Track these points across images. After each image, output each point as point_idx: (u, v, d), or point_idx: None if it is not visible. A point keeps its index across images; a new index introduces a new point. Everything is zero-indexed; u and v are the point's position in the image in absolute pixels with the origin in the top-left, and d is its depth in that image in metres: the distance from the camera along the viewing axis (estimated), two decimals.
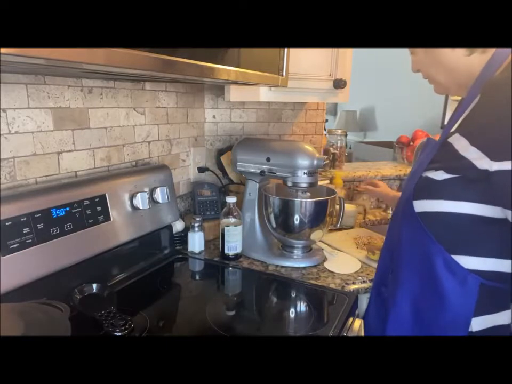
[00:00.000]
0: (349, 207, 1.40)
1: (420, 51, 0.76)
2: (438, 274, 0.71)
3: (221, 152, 1.43)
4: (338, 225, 1.26)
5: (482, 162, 0.61)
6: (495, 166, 0.59)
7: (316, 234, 1.13)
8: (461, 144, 0.66)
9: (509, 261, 0.68)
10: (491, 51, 0.69)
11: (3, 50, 0.39)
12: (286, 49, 0.97)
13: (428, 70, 0.78)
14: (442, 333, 0.73)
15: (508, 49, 0.67)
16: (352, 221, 1.44)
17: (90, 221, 0.88)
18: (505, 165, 0.58)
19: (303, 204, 1.09)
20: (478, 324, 0.70)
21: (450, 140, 0.69)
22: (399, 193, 1.21)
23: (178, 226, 1.20)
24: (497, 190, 0.62)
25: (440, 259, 0.71)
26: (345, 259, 1.17)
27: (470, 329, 0.70)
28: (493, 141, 0.61)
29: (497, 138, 0.60)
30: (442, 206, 0.68)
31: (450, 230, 0.69)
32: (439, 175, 0.68)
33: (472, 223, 0.67)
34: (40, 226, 0.77)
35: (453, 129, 0.71)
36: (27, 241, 0.75)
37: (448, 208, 0.68)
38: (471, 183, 0.65)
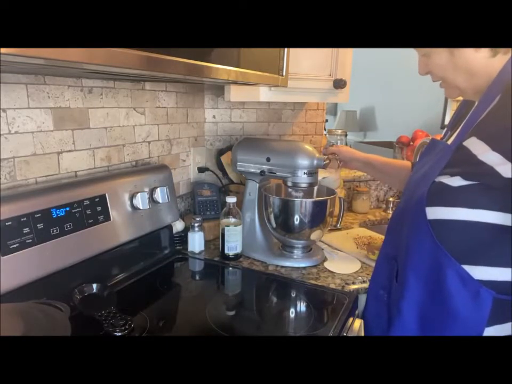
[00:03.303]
0: (329, 174, 1.29)
1: (440, 54, 0.71)
2: (448, 287, 0.68)
3: (221, 152, 1.43)
4: (338, 225, 1.26)
5: (506, 169, 0.58)
6: None
7: (316, 234, 1.13)
8: (479, 149, 0.62)
9: None
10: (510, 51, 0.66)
11: (3, 50, 0.39)
12: (286, 49, 0.97)
13: (445, 74, 0.72)
14: None
15: None
16: (338, 183, 1.37)
17: (90, 221, 0.88)
18: None
19: (303, 204, 1.09)
20: (489, 333, 0.68)
21: (465, 143, 0.66)
22: (365, 154, 1.13)
23: (178, 226, 1.20)
24: None
25: (451, 271, 0.68)
26: (345, 259, 1.17)
27: None
28: None
29: None
30: (457, 213, 0.65)
31: (464, 239, 0.66)
32: (455, 181, 0.65)
33: (490, 231, 0.64)
34: (40, 226, 0.77)
35: (468, 133, 0.67)
36: (27, 241, 0.75)
37: (464, 216, 0.64)
38: (490, 190, 0.61)
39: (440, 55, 0.71)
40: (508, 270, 0.65)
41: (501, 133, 0.61)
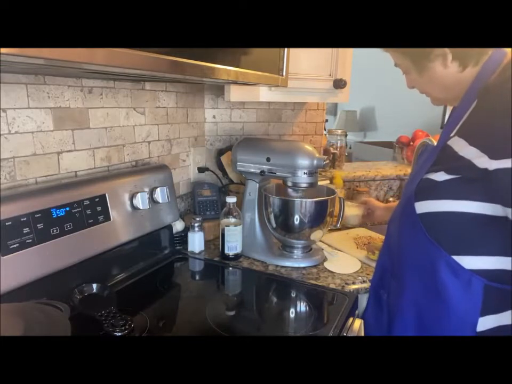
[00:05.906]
0: (352, 209, 1.41)
1: (414, 72, 0.78)
2: (441, 279, 0.71)
3: (221, 152, 1.43)
4: (338, 225, 1.26)
5: (482, 161, 0.62)
6: (494, 164, 0.60)
7: (316, 234, 1.13)
8: (460, 145, 0.67)
9: (510, 259, 0.67)
10: (482, 62, 0.71)
11: (3, 50, 0.39)
12: (286, 49, 0.97)
13: (425, 88, 0.80)
14: None
15: (499, 56, 0.69)
16: (357, 220, 1.45)
17: (90, 221, 0.88)
18: (504, 163, 0.59)
19: (303, 204, 1.09)
20: (483, 324, 0.70)
21: (449, 142, 0.70)
22: (389, 204, 1.26)
23: (178, 226, 1.20)
24: (497, 188, 0.62)
25: (442, 262, 0.70)
26: (345, 259, 1.17)
27: None
28: (491, 140, 0.62)
29: (496, 137, 0.62)
30: (443, 205, 0.69)
31: (451, 229, 0.69)
32: (440, 176, 0.69)
33: (473, 221, 0.67)
34: (40, 226, 0.77)
35: (452, 134, 0.72)
36: (27, 241, 0.75)
37: (449, 207, 0.68)
38: (471, 182, 0.65)
39: (414, 74, 0.78)
40: (495, 258, 0.68)
41: (478, 130, 0.66)
